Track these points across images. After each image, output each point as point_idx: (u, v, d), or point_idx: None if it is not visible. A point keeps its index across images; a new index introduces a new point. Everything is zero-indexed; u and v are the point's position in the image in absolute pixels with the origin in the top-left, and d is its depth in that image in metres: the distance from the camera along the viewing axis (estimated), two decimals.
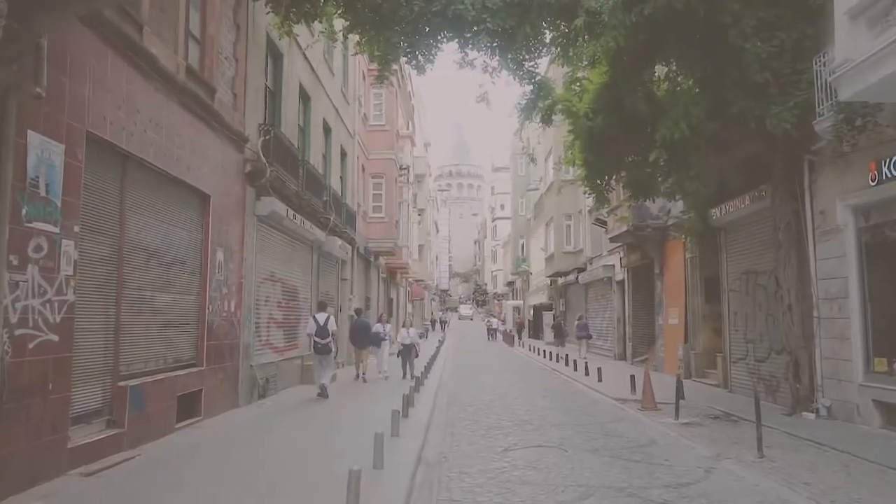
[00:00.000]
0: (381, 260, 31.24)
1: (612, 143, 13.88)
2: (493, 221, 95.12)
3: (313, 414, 11.89)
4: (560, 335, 29.46)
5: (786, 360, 12.29)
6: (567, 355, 24.22)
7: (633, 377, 15.29)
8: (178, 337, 9.69)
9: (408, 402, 11.70)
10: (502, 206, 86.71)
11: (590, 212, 28.93)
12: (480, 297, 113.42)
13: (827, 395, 11.37)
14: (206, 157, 10.37)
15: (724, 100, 11.78)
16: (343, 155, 22.83)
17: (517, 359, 29.40)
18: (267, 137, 13.19)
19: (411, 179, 42.60)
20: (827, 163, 11.40)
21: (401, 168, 35.45)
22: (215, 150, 10.81)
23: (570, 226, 34.02)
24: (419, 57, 11.92)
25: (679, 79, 12.94)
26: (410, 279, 50.48)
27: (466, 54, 12.31)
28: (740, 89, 11.46)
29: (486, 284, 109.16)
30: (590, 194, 15.06)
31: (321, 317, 13.62)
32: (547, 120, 13.90)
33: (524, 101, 13.46)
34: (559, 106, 13.67)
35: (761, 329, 13.99)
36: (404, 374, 17.46)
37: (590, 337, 27.61)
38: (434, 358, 24.57)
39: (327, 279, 19.98)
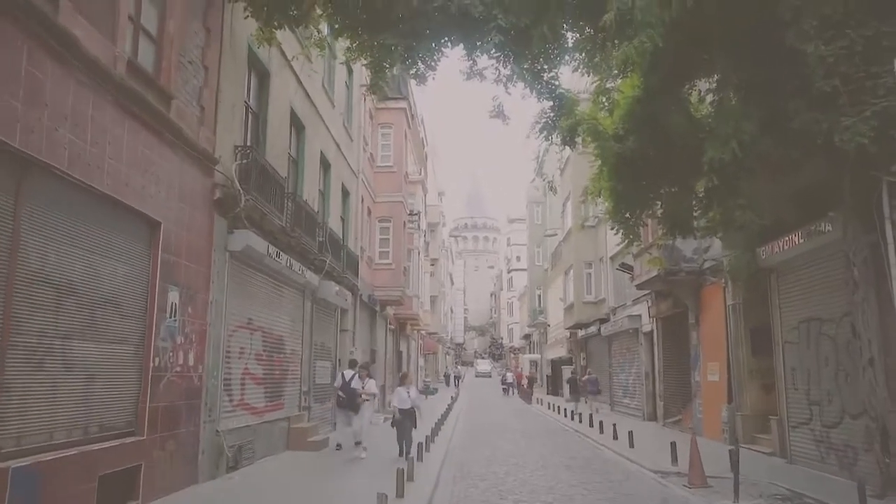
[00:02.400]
0: (389, 310, 29.18)
1: (645, 169, 11.92)
2: (508, 273, 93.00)
3: (289, 492, 9.71)
4: (576, 391, 27.63)
5: (866, 427, 10.00)
6: (591, 415, 21.80)
7: (673, 444, 12.94)
8: (107, 398, 7.64)
9: (404, 476, 9.51)
10: (518, 258, 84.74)
11: (612, 258, 26.92)
12: (496, 351, 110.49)
13: None
14: (155, 175, 8.51)
15: (782, 113, 9.84)
16: (345, 194, 21.05)
17: (535, 418, 26.91)
18: (245, 162, 11.38)
19: (423, 227, 40.85)
20: None
21: (411, 213, 33.70)
22: (170, 168, 8.95)
23: (590, 274, 31.84)
24: (419, 63, 10.13)
25: (726, 91, 11.00)
26: (422, 332, 48.25)
27: (475, 62, 10.53)
28: (801, 100, 9.53)
29: (501, 338, 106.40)
30: (617, 230, 13.01)
31: (348, 374, 14.55)
32: (569, 142, 11.97)
33: (542, 120, 11.56)
34: (583, 126, 11.75)
35: (829, 388, 11.69)
36: (400, 450, 13.03)
37: (599, 392, 27.49)
38: (444, 417, 22.33)
39: (323, 329, 17.93)
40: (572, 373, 31.70)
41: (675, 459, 12.68)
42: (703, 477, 10.86)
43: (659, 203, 12.77)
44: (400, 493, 9.26)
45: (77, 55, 6.80)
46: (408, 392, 13.54)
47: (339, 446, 14.34)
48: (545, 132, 11.69)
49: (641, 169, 11.92)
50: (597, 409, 24.39)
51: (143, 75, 8.29)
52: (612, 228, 13.68)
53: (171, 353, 8.91)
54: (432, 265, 54.39)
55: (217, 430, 10.42)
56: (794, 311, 12.96)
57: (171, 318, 8.92)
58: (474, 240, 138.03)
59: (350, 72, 21.71)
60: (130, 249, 8.15)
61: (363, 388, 13.91)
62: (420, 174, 41.30)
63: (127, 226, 8.06)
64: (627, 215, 12.68)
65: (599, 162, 12.04)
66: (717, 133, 10.09)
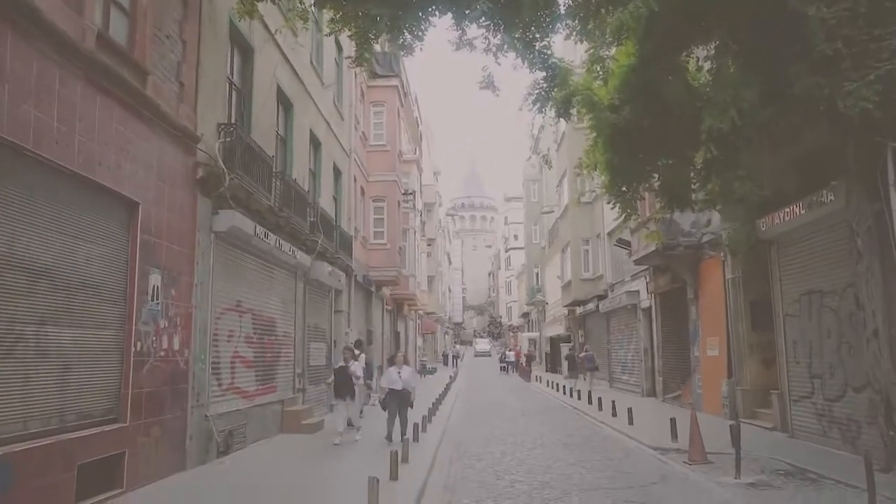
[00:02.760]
0: (385, 290, 28.93)
1: (641, 141, 11.58)
2: (506, 252, 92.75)
3: (280, 476, 9.49)
4: (574, 368, 27.70)
5: (870, 400, 9.79)
6: (589, 392, 21.62)
7: (672, 420, 12.73)
8: (85, 385, 7.38)
9: (398, 458, 9.29)
10: (516, 237, 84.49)
11: (609, 234, 26.63)
12: (495, 330, 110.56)
13: None
14: (131, 153, 8.17)
15: (783, 79, 9.50)
16: (337, 173, 20.68)
17: (533, 396, 26.77)
18: (229, 140, 11.03)
19: (419, 206, 40.53)
20: None
21: (406, 193, 33.32)
22: (148, 147, 8.61)
23: (587, 250, 31.55)
24: (405, 34, 9.74)
25: (725, 58, 10.63)
26: (420, 312, 48.08)
27: (464, 31, 10.13)
28: (803, 64, 9.18)
29: (500, 317, 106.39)
30: (613, 204, 12.69)
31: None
32: (564, 113, 11.60)
33: (535, 91, 11.19)
34: (578, 97, 11.38)
35: (832, 360, 11.46)
36: (389, 432, 12.63)
37: (596, 369, 27.42)
38: (442, 397, 22.17)
39: (317, 310, 17.67)
40: (570, 350, 31.54)
41: (674, 436, 12.48)
42: (704, 453, 10.65)
43: (656, 175, 12.46)
44: (394, 476, 9.04)
45: (40, 27, 6.45)
46: (398, 372, 12.91)
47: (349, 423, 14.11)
48: (538, 104, 11.33)
49: (637, 140, 11.58)
50: (594, 386, 24.20)
51: (115, 49, 7.92)
52: (608, 203, 13.37)
53: (154, 338, 8.63)
54: (429, 245, 54.08)
55: (206, 415, 10.17)
56: (795, 283, 12.69)
57: (153, 301, 8.63)
58: (472, 219, 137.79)
59: (340, 49, 21.24)
60: (107, 231, 7.84)
61: (346, 367, 13.13)
62: (415, 153, 40.90)
63: (102, 206, 7.74)
64: (624, 188, 12.36)
65: (594, 134, 11.68)
66: (716, 101, 9.74)
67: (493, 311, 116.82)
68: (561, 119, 12.16)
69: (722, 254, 15.84)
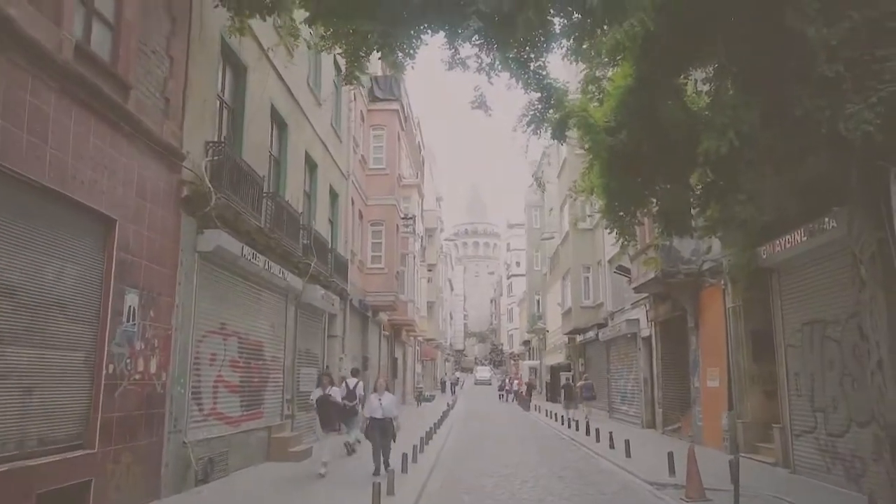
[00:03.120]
0: (383, 316, 28.56)
1: (639, 165, 11.33)
2: (508, 279, 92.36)
3: None
4: (570, 397, 27.01)
5: (875, 436, 9.37)
6: (587, 423, 21.12)
7: (670, 455, 12.29)
8: (49, 409, 7.04)
9: (381, 491, 8.88)
10: (518, 263, 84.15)
11: (610, 261, 26.30)
12: (497, 358, 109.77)
13: None
14: (110, 169, 7.93)
15: (783, 101, 9.26)
16: (334, 196, 20.47)
17: (532, 426, 26.25)
18: (217, 158, 10.80)
19: (419, 231, 40.31)
20: None
21: (406, 217, 33.11)
22: (128, 162, 8.37)
23: (588, 278, 31.20)
24: (397, 52, 9.54)
25: (724, 79, 10.40)
26: (420, 338, 47.62)
27: (457, 50, 9.95)
28: (803, 86, 8.94)
29: (501, 344, 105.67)
30: (611, 230, 12.40)
31: (351, 382, 14.86)
32: (559, 135, 11.36)
33: (530, 113, 10.96)
34: (574, 119, 11.15)
35: (835, 394, 11.05)
36: (377, 467, 11.88)
37: (593, 398, 26.40)
38: (438, 425, 21.72)
39: (309, 335, 17.33)
40: (566, 380, 31.15)
41: (672, 470, 12.03)
42: (702, 490, 10.23)
43: (654, 200, 12.19)
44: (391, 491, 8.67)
45: (12, 36, 6.23)
46: (380, 400, 12.21)
47: (348, 447, 14.61)
48: (533, 125, 11.08)
49: (635, 164, 11.31)
50: (589, 415, 23.80)
51: (95, 62, 7.71)
52: (605, 228, 13.07)
53: (128, 360, 8.30)
54: (430, 271, 53.79)
55: (184, 442, 9.80)
56: (796, 312, 12.33)
57: (129, 322, 8.32)
58: (475, 245, 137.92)
59: (339, 70, 21.14)
60: (80, 248, 7.56)
61: (329, 396, 12.40)
62: (416, 178, 40.79)
63: (75, 222, 7.46)
64: (621, 213, 12.08)
65: (590, 157, 11.43)
66: (714, 123, 9.50)
67: (495, 338, 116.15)
68: (561, 144, 11.89)
69: (722, 282, 15.51)
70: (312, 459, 14.17)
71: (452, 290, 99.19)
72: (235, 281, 12.08)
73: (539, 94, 10.75)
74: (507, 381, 53.36)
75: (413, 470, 12.72)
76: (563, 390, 28.29)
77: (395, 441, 12.42)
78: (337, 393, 12.79)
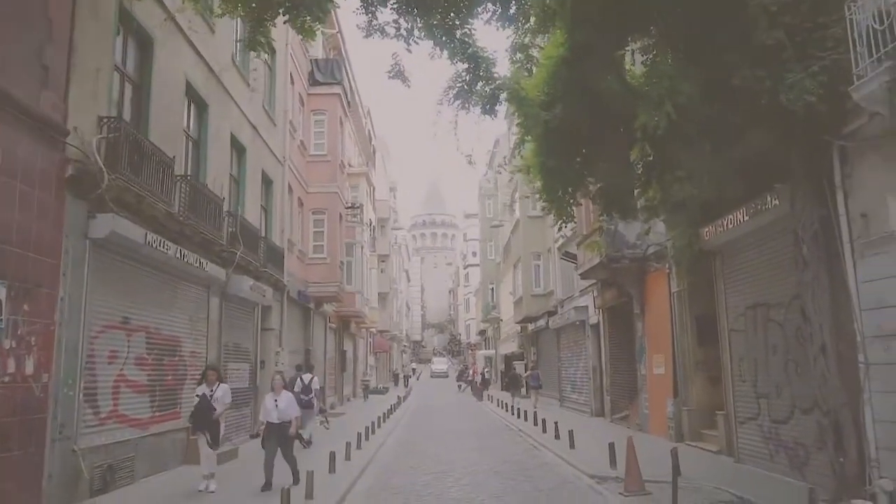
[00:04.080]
0: (327, 307, 27.58)
1: (576, 142, 10.67)
2: (465, 269, 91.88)
3: None
4: (514, 386, 27.57)
5: (819, 422, 8.89)
6: (535, 413, 20.57)
7: (611, 446, 11.73)
8: None
9: (289, 499, 8.07)
10: (474, 254, 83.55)
11: (559, 248, 25.79)
12: (455, 348, 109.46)
13: (885, 471, 7.92)
14: None
15: (722, 71, 8.68)
16: (267, 182, 19.44)
17: (482, 417, 25.57)
18: (113, 136, 9.77)
19: (367, 221, 39.34)
20: (868, 148, 8.25)
21: (353, 206, 32.13)
22: None
23: (538, 265, 30.74)
24: (305, 16, 8.66)
25: (663, 51, 9.78)
26: (372, 330, 46.71)
27: (374, 16, 9.15)
28: (743, 55, 8.38)
29: (459, 335, 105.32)
30: (548, 211, 11.73)
31: (306, 377, 15.70)
32: (489, 110, 10.57)
33: (457, 85, 10.16)
34: (504, 92, 10.39)
35: (778, 379, 10.58)
36: (267, 479, 10.18)
37: (539, 387, 27.84)
38: (383, 419, 21.02)
39: (238, 328, 16.33)
40: (512, 369, 31.39)
41: (613, 462, 11.51)
42: (641, 482, 9.68)
43: (593, 180, 11.55)
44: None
45: None
46: (276, 401, 10.55)
47: (304, 440, 13.91)
48: (461, 99, 10.30)
49: (572, 141, 10.66)
50: (536, 404, 23.53)
51: None
52: (543, 210, 12.41)
53: None
54: (383, 262, 52.84)
55: (73, 449, 8.81)
56: (740, 296, 11.85)
57: None
58: (433, 237, 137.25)
59: (273, 52, 20.05)
60: None
61: (211, 394, 10.26)
62: (365, 166, 39.76)
63: None
64: (560, 193, 11.42)
65: (523, 133, 10.71)
66: (650, 95, 8.88)
67: (454, 328, 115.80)
68: (492, 118, 11.07)
69: (667, 266, 15.03)
70: (239, 460, 13.32)
71: (409, 281, 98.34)
72: (141, 271, 11.07)
73: (466, 65, 9.99)
74: (462, 370, 52.79)
75: (345, 469, 11.98)
76: (507, 379, 28.31)
77: (305, 446, 10.97)
78: (224, 393, 10.45)
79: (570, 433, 14.69)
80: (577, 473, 11.80)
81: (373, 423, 18.36)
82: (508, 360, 42.76)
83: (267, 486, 10.14)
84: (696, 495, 9.42)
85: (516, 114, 10.64)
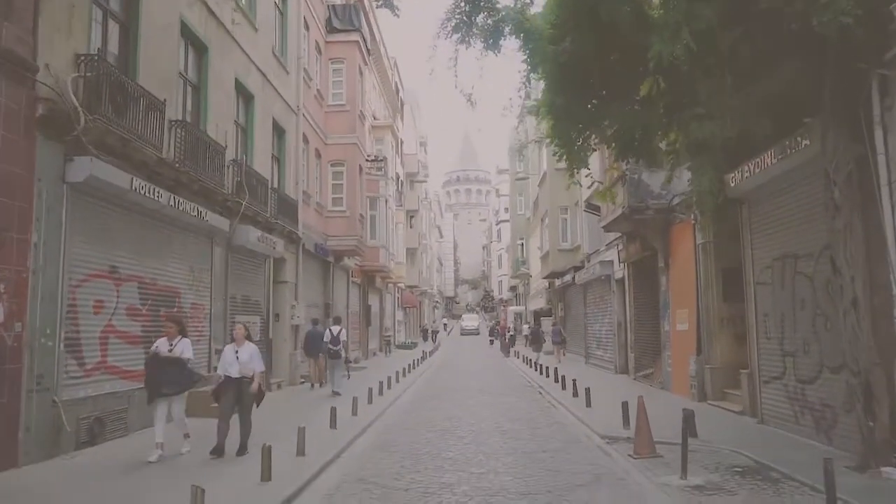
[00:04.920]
0: (349, 261, 27.19)
1: (588, 79, 9.81)
2: (497, 225, 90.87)
3: (111, 485, 7.82)
4: (536, 342, 27.18)
5: (848, 383, 8.12)
6: (556, 369, 20.00)
7: (624, 405, 11.09)
8: None
9: (270, 460, 7.67)
10: (506, 209, 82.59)
11: (587, 201, 24.83)
12: (489, 304, 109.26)
13: None
14: None
15: None
16: (279, 132, 18.87)
17: (505, 374, 25.11)
18: (92, 75, 9.22)
19: (392, 174, 38.70)
20: None
21: (376, 159, 31.47)
22: None
23: (566, 220, 29.81)
24: None
25: None
26: (401, 285, 46.45)
27: None
28: None
29: (492, 291, 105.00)
30: (559, 156, 10.92)
31: (335, 329, 17.17)
32: (493, 45, 9.71)
33: (456, 16, 9.33)
34: (509, 24, 9.53)
35: (806, 336, 9.78)
36: (219, 443, 8.82)
37: (562, 342, 28.26)
38: (402, 374, 20.73)
39: (247, 280, 15.98)
40: (532, 324, 31.17)
41: (626, 422, 10.86)
42: (651, 445, 9.04)
43: (607, 121, 10.67)
44: (266, 477, 7.45)
45: None
46: (236, 353, 9.14)
47: (335, 393, 16.08)
48: (460, 32, 9.47)
49: (584, 78, 9.81)
50: (560, 360, 23.72)
51: None
52: (553, 154, 11.60)
53: None
54: (412, 217, 52.32)
55: (54, 400, 8.51)
56: (767, 247, 10.98)
57: None
58: (467, 193, 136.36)
59: None
60: None
61: (170, 349, 8.81)
62: (393, 119, 38.97)
63: None
64: (572, 135, 10.60)
65: (529, 68, 9.86)
66: (667, 22, 7.97)
67: (487, 285, 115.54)
68: (496, 54, 10.20)
69: (693, 217, 14.11)
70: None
71: (442, 237, 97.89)
72: (132, 219, 10.64)
73: None
74: (496, 327, 52.42)
75: (349, 424, 11.59)
76: (531, 335, 28.01)
77: (257, 405, 9.30)
78: (186, 348, 8.96)
79: (587, 391, 14.08)
80: (588, 433, 11.23)
81: (388, 378, 18.02)
82: (537, 315, 42.21)
83: (218, 450, 8.74)
84: (711, 458, 8.77)
85: (522, 49, 9.79)
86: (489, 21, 9.52)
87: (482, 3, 9.24)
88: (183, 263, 12.49)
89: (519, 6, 9.60)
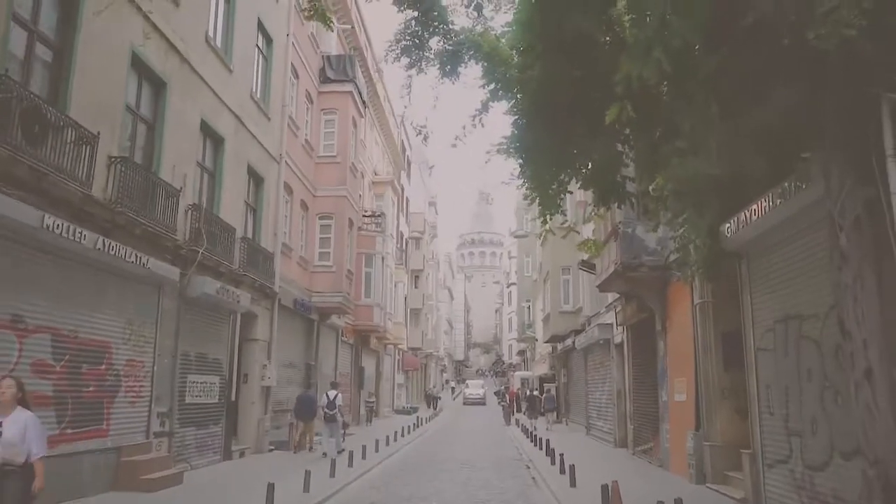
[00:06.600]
0: (337, 320, 25.83)
1: (559, 109, 8.66)
2: (507, 287, 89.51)
3: None
4: (533, 409, 26.22)
5: (863, 473, 6.59)
6: (548, 441, 18.29)
7: (605, 487, 9.51)
8: None
9: None
10: (516, 272, 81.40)
11: (581, 259, 23.51)
12: (500, 369, 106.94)
13: None
14: None
15: (733, 5, 6.63)
16: (257, 180, 17.92)
17: (499, 444, 23.29)
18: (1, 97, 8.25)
19: (399, 233, 37.74)
20: None
21: (372, 215, 30.56)
22: None
23: (567, 280, 28.44)
24: None
25: None
26: (402, 347, 44.85)
27: None
28: None
29: (502, 355, 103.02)
30: (530, 200, 9.70)
31: (331, 393, 17.36)
32: (450, 72, 8.62)
33: (407, 37, 8.27)
34: (469, 51, 8.46)
35: (813, 413, 8.27)
36: None
37: (554, 409, 29.37)
38: (388, 441, 19.20)
39: (206, 336, 14.68)
40: (530, 391, 30.28)
41: None
42: None
43: (581, 164, 9.44)
44: None
45: None
46: None
47: (325, 454, 16.19)
48: (412, 56, 8.40)
49: (555, 110, 8.66)
50: (549, 427, 23.88)
51: None
52: (525, 198, 10.39)
53: None
54: (416, 276, 51.19)
55: None
56: (768, 307, 9.56)
57: None
58: (481, 255, 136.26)
59: (269, 40, 18.68)
60: None
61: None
62: (392, 175, 38.31)
63: None
64: (546, 176, 9.38)
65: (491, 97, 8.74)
66: (637, 40, 6.85)
67: (499, 349, 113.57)
68: (452, 82, 9.09)
69: (687, 274, 12.71)
70: (185, 486, 11.66)
71: (453, 298, 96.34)
72: (47, 262, 9.48)
73: (415, 13, 8.12)
74: (501, 391, 50.34)
75: (300, 501, 10.15)
76: (526, 401, 26.88)
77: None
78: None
79: (572, 468, 12.51)
80: None
81: (363, 448, 16.53)
82: (541, 381, 40.35)
83: None
84: None
85: (484, 76, 8.68)
86: (447, 46, 8.45)
87: (436, 25, 8.18)
88: (119, 314, 11.27)
89: (480, 29, 8.53)
